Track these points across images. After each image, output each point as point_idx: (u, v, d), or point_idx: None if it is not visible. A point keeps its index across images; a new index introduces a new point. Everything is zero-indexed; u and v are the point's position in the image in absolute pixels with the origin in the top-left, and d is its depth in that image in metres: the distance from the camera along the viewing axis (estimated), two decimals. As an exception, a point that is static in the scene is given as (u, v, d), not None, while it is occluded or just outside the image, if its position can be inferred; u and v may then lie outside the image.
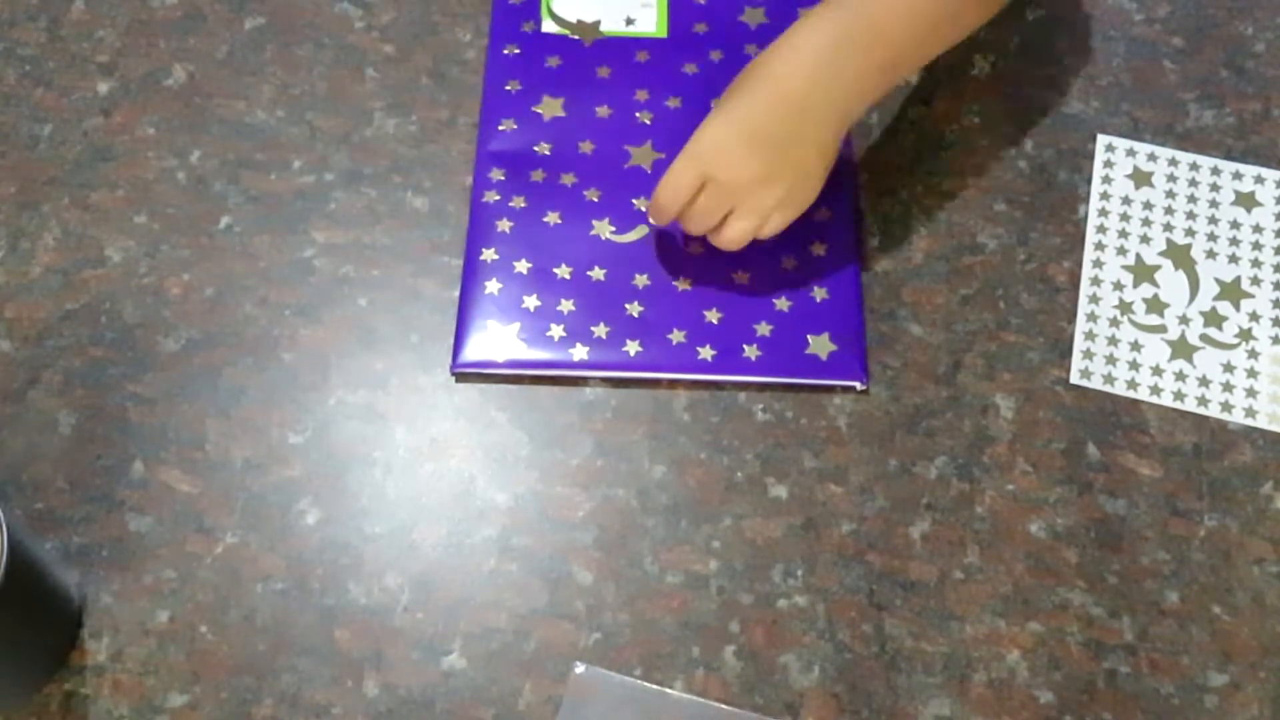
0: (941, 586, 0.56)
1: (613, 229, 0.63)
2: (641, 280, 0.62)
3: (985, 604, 0.56)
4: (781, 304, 0.61)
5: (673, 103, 0.67)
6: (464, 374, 0.61)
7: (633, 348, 0.60)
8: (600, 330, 0.60)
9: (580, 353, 0.60)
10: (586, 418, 0.60)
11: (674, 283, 0.62)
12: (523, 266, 0.62)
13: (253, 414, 0.60)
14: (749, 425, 0.60)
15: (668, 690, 0.53)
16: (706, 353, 0.60)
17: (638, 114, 0.66)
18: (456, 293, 0.63)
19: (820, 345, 0.60)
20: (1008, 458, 0.59)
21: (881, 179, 0.66)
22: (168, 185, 0.66)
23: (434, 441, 0.59)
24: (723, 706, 0.53)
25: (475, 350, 0.60)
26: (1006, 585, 0.56)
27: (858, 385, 0.60)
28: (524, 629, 0.55)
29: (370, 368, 0.61)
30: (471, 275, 0.62)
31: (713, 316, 0.61)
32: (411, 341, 0.62)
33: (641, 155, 0.65)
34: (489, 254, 0.62)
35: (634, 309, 0.61)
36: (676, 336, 0.60)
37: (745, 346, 0.60)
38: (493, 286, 0.61)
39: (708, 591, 0.56)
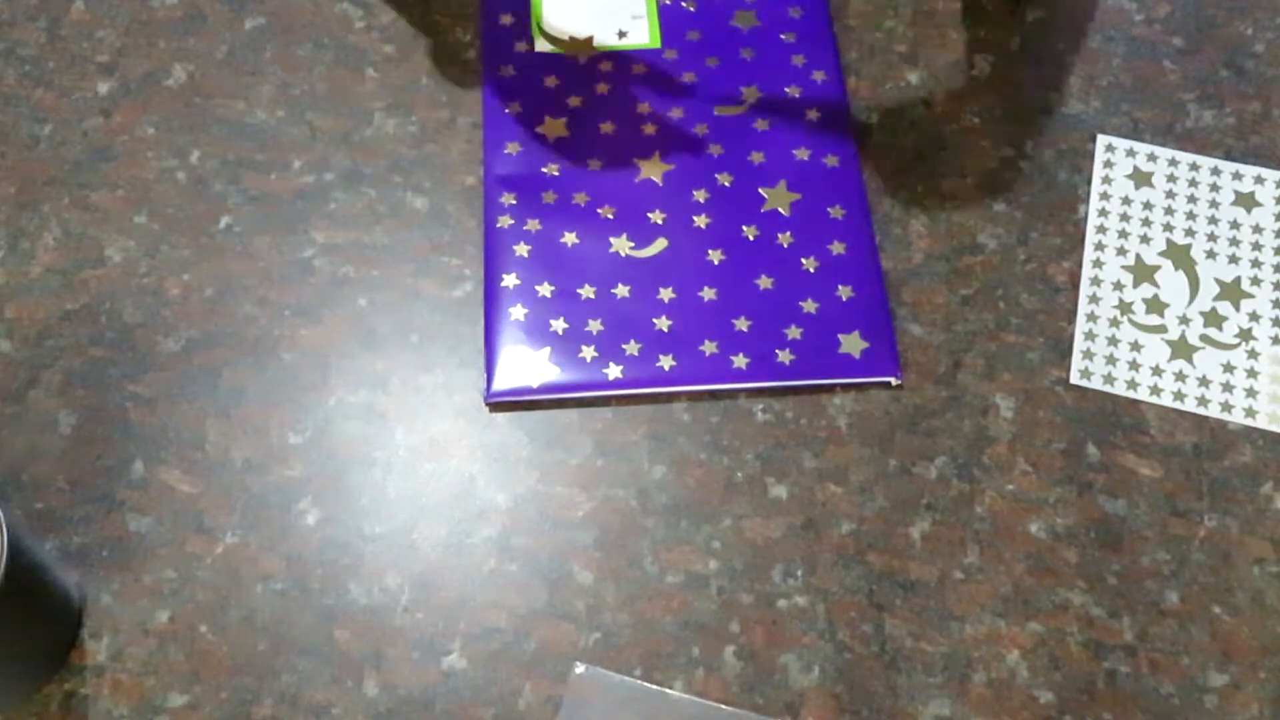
0: (941, 586, 0.56)
1: (631, 244, 0.63)
2: (666, 294, 0.62)
3: (985, 604, 0.56)
4: (809, 306, 0.61)
5: (675, 113, 0.67)
6: (499, 404, 0.60)
7: (666, 362, 0.60)
8: (632, 348, 0.60)
9: (614, 371, 0.59)
10: (586, 418, 0.60)
11: (699, 294, 0.62)
12: (545, 290, 0.62)
13: (253, 414, 0.60)
14: (749, 425, 0.60)
15: (668, 690, 0.53)
16: (740, 361, 0.60)
17: (642, 127, 0.66)
18: (456, 293, 0.63)
19: (852, 344, 0.60)
20: (1008, 458, 0.59)
21: (881, 179, 0.66)
22: (168, 185, 0.66)
23: (434, 441, 0.59)
24: (723, 706, 0.53)
25: (508, 378, 0.60)
26: (1006, 585, 0.56)
27: (892, 381, 0.60)
28: (524, 629, 0.55)
29: (370, 368, 0.61)
30: (494, 302, 0.62)
31: (742, 324, 0.61)
32: (411, 341, 0.62)
33: (650, 168, 0.65)
34: (510, 279, 0.62)
35: (663, 323, 0.61)
36: (709, 347, 0.60)
37: (778, 351, 0.60)
38: (517, 312, 0.61)
39: (708, 591, 0.56)
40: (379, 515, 0.58)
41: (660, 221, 0.63)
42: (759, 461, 0.59)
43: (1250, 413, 0.60)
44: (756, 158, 0.65)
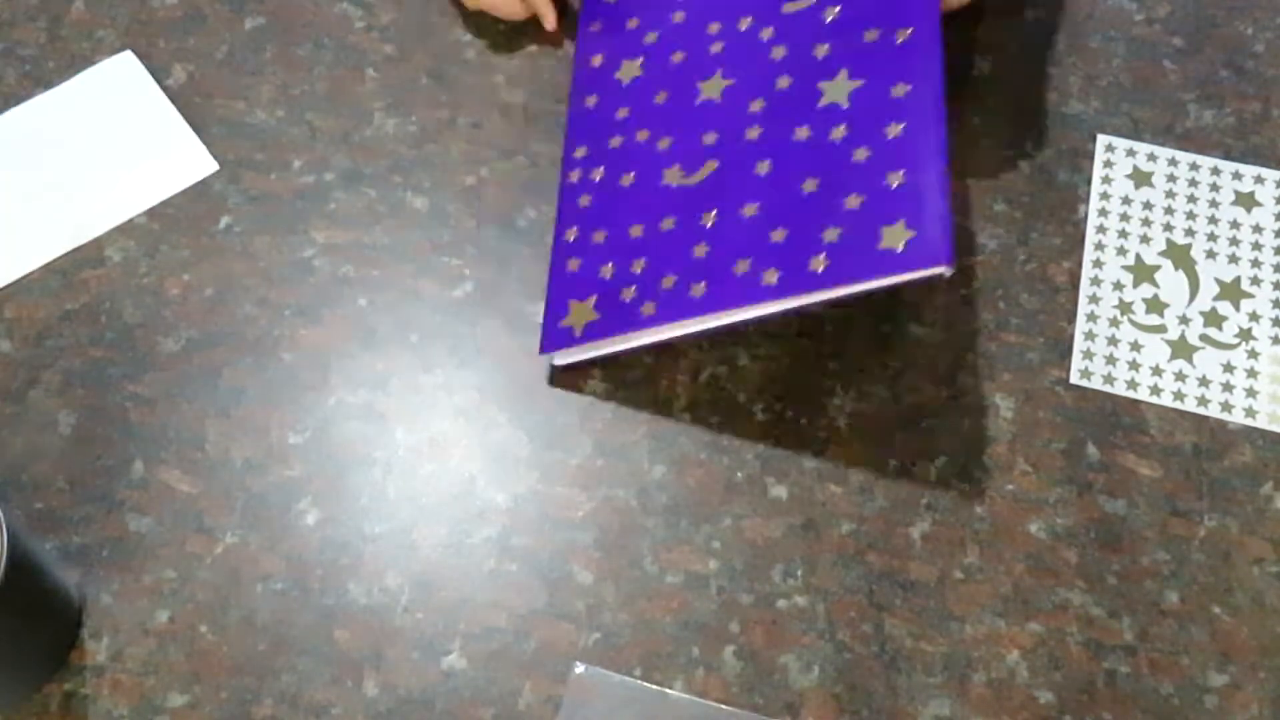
0: (941, 586, 0.56)
1: (682, 173, 0.62)
2: (709, 218, 0.60)
3: (985, 604, 0.56)
4: (852, 201, 0.57)
5: (744, 23, 0.65)
6: (562, 365, 0.61)
7: (698, 290, 0.58)
8: (668, 282, 0.59)
9: (649, 308, 0.59)
10: (586, 418, 0.60)
11: (740, 211, 0.59)
12: (599, 237, 0.62)
13: (253, 414, 0.60)
14: (749, 425, 0.60)
15: (668, 690, 0.53)
16: (770, 277, 0.57)
17: (710, 47, 0.65)
18: (456, 293, 0.63)
19: (895, 236, 0.55)
20: (1008, 458, 0.59)
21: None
22: (168, 185, 0.66)
23: (434, 441, 0.59)
24: (723, 706, 0.53)
25: (557, 333, 0.60)
26: (1006, 585, 0.56)
27: (943, 271, 0.53)
28: (524, 629, 0.55)
29: (370, 368, 0.61)
30: (557, 257, 0.62)
31: (778, 236, 0.58)
32: (411, 341, 0.62)
33: (710, 88, 0.64)
34: (571, 233, 0.63)
35: (701, 250, 0.59)
36: (741, 266, 0.58)
37: (811, 259, 0.56)
38: (574, 264, 0.62)
39: (708, 591, 0.56)
40: (379, 515, 0.58)
41: (712, 143, 0.62)
42: (759, 461, 0.59)
43: (1250, 413, 0.60)
44: (821, 51, 0.62)
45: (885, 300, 0.62)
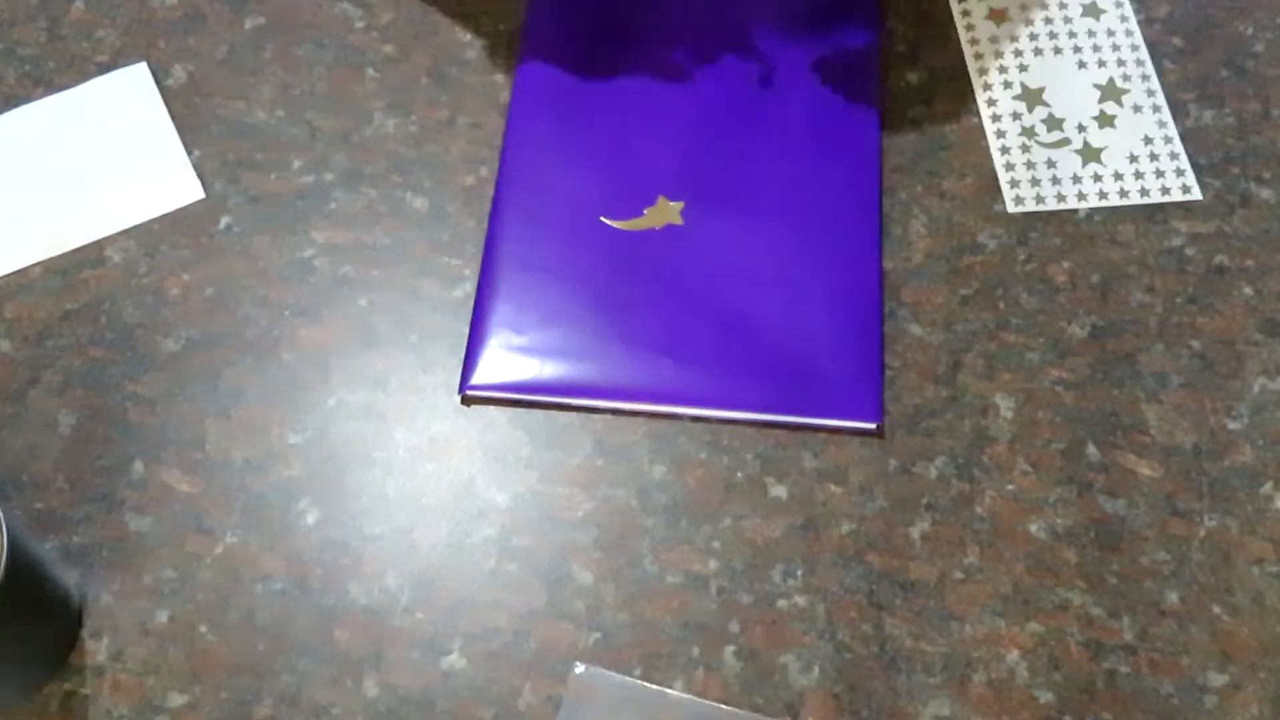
0: (941, 586, 0.56)
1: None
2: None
3: (985, 604, 0.56)
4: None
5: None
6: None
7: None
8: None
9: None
10: (586, 418, 0.60)
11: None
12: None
13: (253, 414, 0.60)
14: (749, 425, 0.60)
15: (668, 690, 0.53)
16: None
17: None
18: (456, 293, 0.63)
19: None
20: (1008, 458, 0.59)
21: (881, 179, 0.66)
22: (168, 185, 0.66)
23: (434, 441, 0.59)
24: (723, 706, 0.53)
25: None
26: (1006, 585, 0.56)
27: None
28: (524, 629, 0.55)
29: (370, 368, 0.61)
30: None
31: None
32: (411, 341, 0.62)
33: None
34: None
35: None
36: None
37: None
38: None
39: (708, 591, 0.56)
40: (379, 515, 0.58)
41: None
42: (759, 461, 0.59)
43: (1164, 190, 0.65)
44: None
45: (885, 300, 0.62)
